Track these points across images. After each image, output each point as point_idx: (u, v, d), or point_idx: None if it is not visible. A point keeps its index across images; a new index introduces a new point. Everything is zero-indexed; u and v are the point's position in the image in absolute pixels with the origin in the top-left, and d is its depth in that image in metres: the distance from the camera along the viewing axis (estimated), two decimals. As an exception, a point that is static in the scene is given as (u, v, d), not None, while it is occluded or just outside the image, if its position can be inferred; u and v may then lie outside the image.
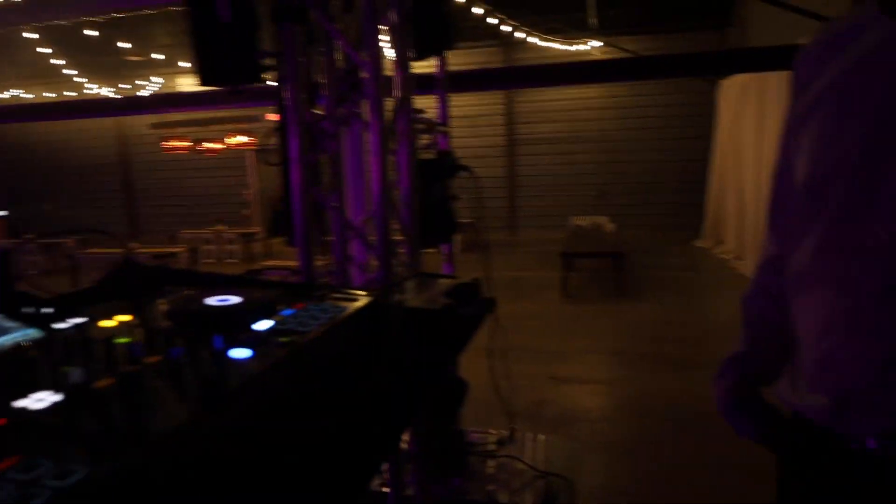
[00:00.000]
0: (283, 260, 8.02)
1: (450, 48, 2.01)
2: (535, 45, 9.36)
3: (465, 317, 0.97)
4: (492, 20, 7.86)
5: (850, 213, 0.74)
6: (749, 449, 1.08)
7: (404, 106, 1.60)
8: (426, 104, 2.33)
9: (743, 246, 7.86)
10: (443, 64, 2.15)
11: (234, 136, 10.47)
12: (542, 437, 3.04)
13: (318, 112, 1.75)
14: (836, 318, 0.75)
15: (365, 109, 1.65)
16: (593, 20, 9.58)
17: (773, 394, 0.97)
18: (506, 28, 8.30)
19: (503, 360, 4.79)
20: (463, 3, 7.01)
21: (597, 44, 10.04)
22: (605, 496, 3.02)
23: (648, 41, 10.43)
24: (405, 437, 2.05)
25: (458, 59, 12.55)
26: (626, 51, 10.22)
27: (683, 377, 4.51)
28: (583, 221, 9.14)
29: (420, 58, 1.83)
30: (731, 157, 8.51)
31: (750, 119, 7.40)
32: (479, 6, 7.39)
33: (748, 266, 7.33)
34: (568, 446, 2.96)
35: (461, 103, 11.64)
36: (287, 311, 0.85)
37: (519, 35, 8.70)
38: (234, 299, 0.82)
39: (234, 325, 0.77)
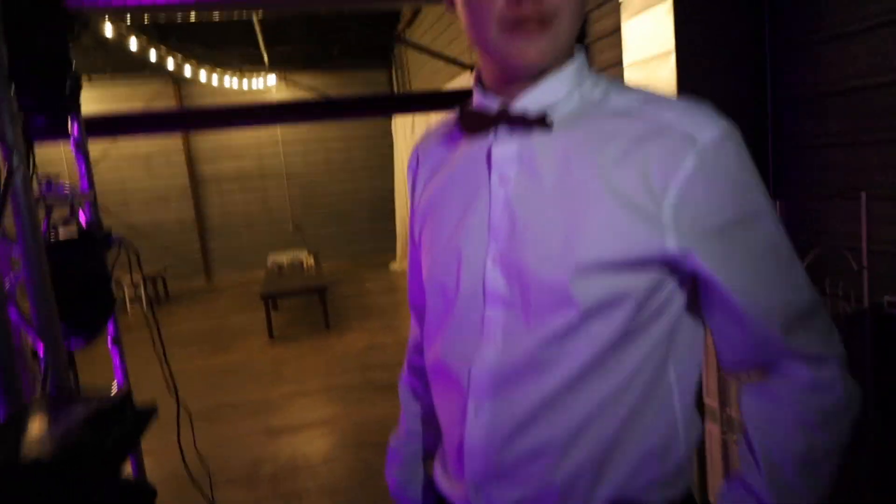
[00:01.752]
0: None
1: (77, 109, 1.73)
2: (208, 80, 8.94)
3: (108, 448, 0.81)
4: (153, 54, 7.24)
5: (454, 317, 0.84)
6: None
7: (19, 174, 1.30)
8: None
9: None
10: (77, 124, 1.84)
11: None
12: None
13: None
14: (461, 412, 0.82)
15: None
16: (265, 55, 9.55)
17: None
18: (171, 61, 7.74)
19: (214, 424, 4.40)
20: (114, 37, 6.31)
21: (272, 79, 10.04)
22: (331, 546, 2.97)
23: (324, 77, 10.81)
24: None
25: (123, 91, 11.33)
26: (302, 86, 10.42)
27: (393, 401, 4.73)
28: (281, 258, 9.00)
29: (42, 120, 1.53)
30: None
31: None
32: (137, 38, 6.74)
33: (437, 282, 8.04)
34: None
35: (132, 143, 10.49)
36: None
37: (188, 68, 8.19)
38: None
39: None
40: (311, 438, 4.32)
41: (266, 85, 10.00)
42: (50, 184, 1.59)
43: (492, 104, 0.82)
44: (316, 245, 11.06)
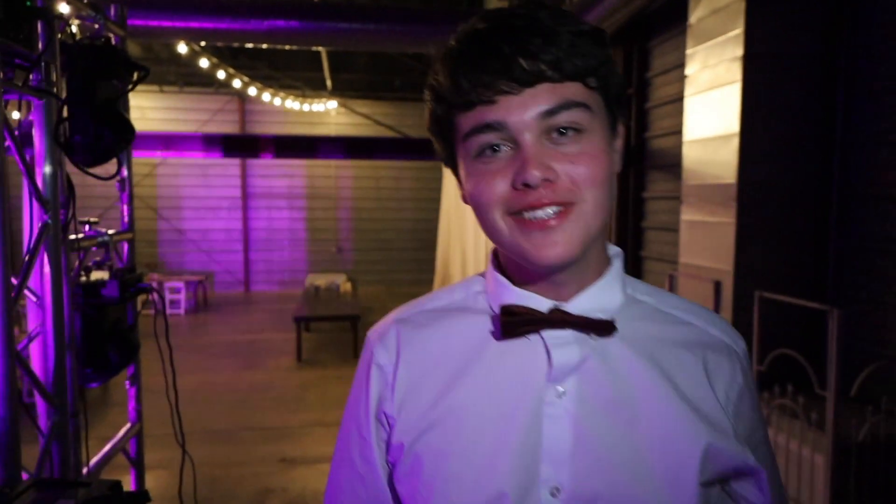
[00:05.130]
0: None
1: (127, 146, 1.75)
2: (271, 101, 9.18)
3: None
4: (221, 73, 7.48)
5: None
6: None
7: (49, 232, 1.29)
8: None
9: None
10: (126, 167, 1.86)
11: None
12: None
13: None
14: None
15: None
16: (329, 81, 9.78)
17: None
18: (238, 81, 7.99)
19: (230, 445, 4.39)
20: (188, 53, 6.55)
21: (333, 104, 10.25)
22: None
23: (380, 106, 10.98)
24: None
25: (191, 104, 11.74)
26: (360, 114, 10.61)
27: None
28: (319, 281, 9.06)
29: (93, 164, 1.55)
30: (455, 217, 9.30)
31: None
32: (207, 58, 6.99)
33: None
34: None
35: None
36: None
37: (252, 90, 8.44)
38: None
39: None
40: (324, 473, 4.25)
41: (327, 109, 10.22)
42: (89, 227, 1.60)
43: (538, 304, 0.70)
44: (356, 268, 11.12)
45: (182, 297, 9.34)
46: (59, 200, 1.28)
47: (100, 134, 1.45)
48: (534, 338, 0.69)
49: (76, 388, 1.35)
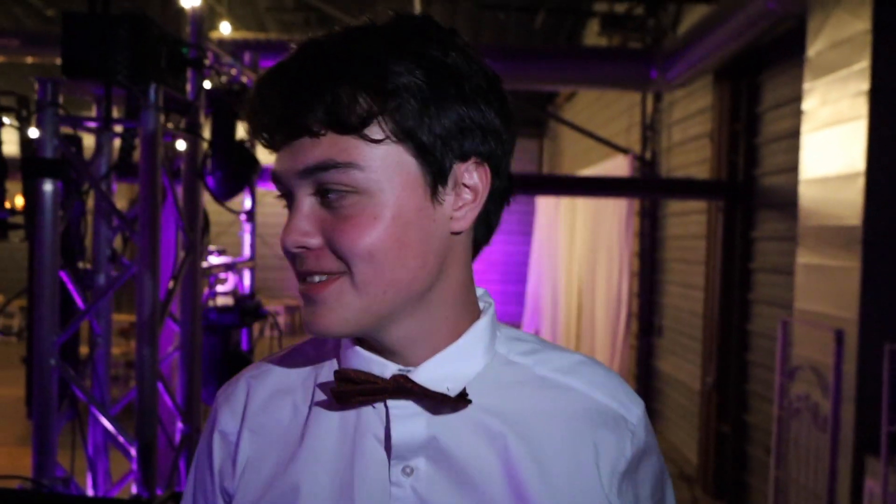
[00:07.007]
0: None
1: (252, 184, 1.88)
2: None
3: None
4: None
5: None
6: None
7: (189, 261, 1.42)
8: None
9: (537, 333, 8.42)
10: (252, 196, 2.01)
11: None
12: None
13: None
14: None
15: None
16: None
17: None
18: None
19: None
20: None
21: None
22: None
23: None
24: None
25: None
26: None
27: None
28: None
29: (227, 199, 1.69)
30: (546, 255, 9.24)
31: (563, 223, 8.13)
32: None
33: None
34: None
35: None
36: None
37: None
38: None
39: None
40: None
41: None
42: (219, 254, 1.73)
43: (381, 369, 0.61)
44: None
45: (282, 320, 9.80)
46: (199, 231, 1.41)
47: (236, 170, 1.58)
48: (380, 406, 0.60)
49: (201, 405, 1.46)
